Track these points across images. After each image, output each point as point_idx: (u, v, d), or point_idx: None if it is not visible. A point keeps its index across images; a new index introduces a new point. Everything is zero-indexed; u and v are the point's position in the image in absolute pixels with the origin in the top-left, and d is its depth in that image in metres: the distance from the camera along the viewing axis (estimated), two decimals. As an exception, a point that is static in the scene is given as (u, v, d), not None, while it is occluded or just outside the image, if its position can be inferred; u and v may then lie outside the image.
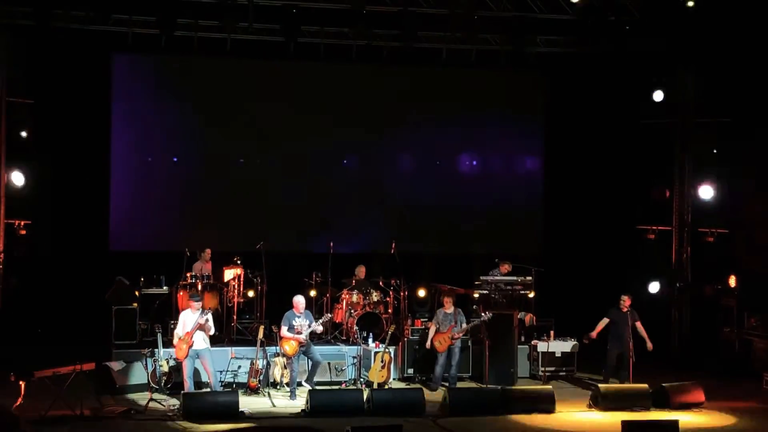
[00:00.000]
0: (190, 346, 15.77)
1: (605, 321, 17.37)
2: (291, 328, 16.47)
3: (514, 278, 19.06)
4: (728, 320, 19.83)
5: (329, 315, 17.60)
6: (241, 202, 21.06)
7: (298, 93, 21.21)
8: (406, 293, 19.11)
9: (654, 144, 20.99)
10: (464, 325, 17.25)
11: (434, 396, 16.31)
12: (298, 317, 16.57)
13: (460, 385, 17.29)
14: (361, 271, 19.26)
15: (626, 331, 17.14)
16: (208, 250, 18.98)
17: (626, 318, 17.21)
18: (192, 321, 15.91)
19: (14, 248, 18.74)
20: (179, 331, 15.99)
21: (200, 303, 16.14)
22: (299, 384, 16.69)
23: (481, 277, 19.00)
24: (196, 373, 16.11)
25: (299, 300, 16.75)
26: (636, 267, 20.94)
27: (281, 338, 16.60)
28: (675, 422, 13.90)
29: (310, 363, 16.75)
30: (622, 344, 17.21)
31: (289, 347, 16.49)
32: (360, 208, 21.61)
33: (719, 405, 16.59)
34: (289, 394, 16.57)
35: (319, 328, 16.70)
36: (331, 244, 19.55)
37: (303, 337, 16.41)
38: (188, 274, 18.32)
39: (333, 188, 21.56)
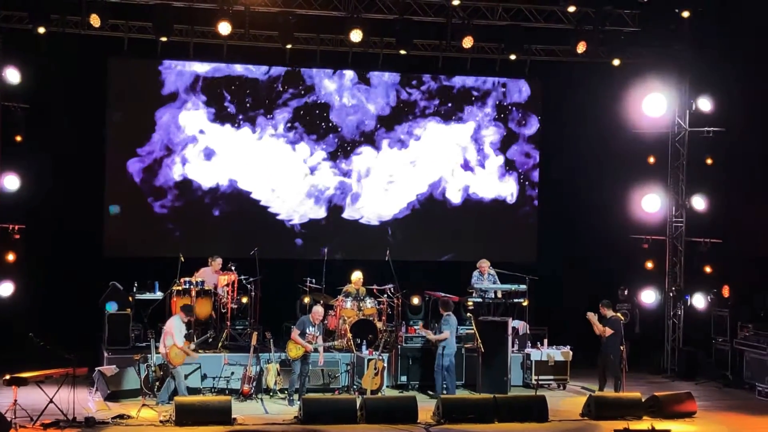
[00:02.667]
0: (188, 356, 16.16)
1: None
2: (303, 334, 16.54)
3: (508, 286, 19.07)
4: (721, 330, 19.85)
5: (334, 343, 17.63)
6: (236, 207, 21.04)
7: (293, 99, 21.23)
8: (400, 301, 19.11)
9: (648, 153, 21.02)
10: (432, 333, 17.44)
11: (427, 404, 16.28)
12: (313, 327, 16.66)
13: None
14: (358, 280, 19.14)
15: (607, 339, 17.26)
16: (219, 260, 18.81)
17: (612, 325, 17.32)
18: (183, 331, 16.20)
19: (8, 253, 18.70)
20: (177, 340, 16.03)
21: (191, 316, 16.34)
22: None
23: (473, 285, 19.08)
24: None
25: (318, 311, 16.88)
26: (630, 276, 20.98)
27: (291, 339, 16.67)
28: (667, 432, 13.95)
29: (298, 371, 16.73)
30: (602, 352, 17.40)
31: (294, 350, 16.57)
32: (352, 216, 21.63)
33: (711, 415, 16.61)
34: (284, 398, 16.65)
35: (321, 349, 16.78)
36: (326, 250, 19.56)
37: (312, 348, 16.50)
38: (182, 280, 18.29)
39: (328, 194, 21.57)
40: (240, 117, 21.04)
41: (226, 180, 21.00)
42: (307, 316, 16.88)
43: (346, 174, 21.52)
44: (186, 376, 16.50)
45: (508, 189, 22.21)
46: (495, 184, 22.17)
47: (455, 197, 22.02)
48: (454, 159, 22.02)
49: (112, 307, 18.18)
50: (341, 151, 21.50)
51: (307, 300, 19.25)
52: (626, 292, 19.26)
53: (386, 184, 21.75)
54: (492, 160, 22.17)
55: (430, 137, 21.92)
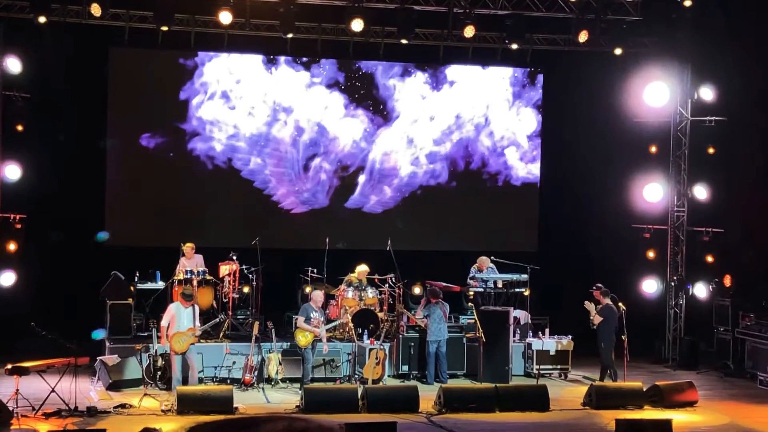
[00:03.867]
0: (192, 343, 16.04)
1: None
2: (308, 320, 16.61)
3: (509, 276, 19.07)
4: (723, 319, 19.85)
5: (340, 321, 17.64)
6: (238, 197, 21.03)
7: (295, 89, 21.21)
8: (401, 290, 19.11)
9: (650, 142, 21.01)
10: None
11: (429, 393, 16.30)
12: (316, 312, 16.73)
13: (454, 382, 17.34)
14: (363, 272, 19.03)
15: (598, 327, 17.44)
16: (190, 245, 18.60)
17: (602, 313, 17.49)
18: (185, 316, 16.02)
19: (9, 242, 18.71)
20: (175, 325, 16.02)
21: (191, 302, 16.26)
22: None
23: (473, 276, 19.09)
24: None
25: (318, 295, 16.99)
26: (631, 266, 20.97)
27: (297, 328, 16.74)
28: (668, 421, 13.91)
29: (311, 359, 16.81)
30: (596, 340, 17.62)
31: (303, 338, 16.66)
32: (355, 204, 21.61)
33: (713, 404, 16.62)
34: (285, 387, 16.75)
35: (324, 337, 16.85)
36: (327, 240, 19.55)
37: (319, 331, 16.59)
38: (184, 267, 18.27)
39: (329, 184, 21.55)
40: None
41: (230, 168, 20.98)
42: (308, 303, 16.95)
43: (348, 163, 21.52)
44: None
45: (509, 178, 22.17)
46: (495, 174, 22.14)
47: (457, 186, 21.98)
48: (454, 147, 22.00)
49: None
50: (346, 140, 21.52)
51: (308, 290, 19.22)
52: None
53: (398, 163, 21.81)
54: (492, 149, 22.14)
55: (436, 124, 21.92)
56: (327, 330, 16.92)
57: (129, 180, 20.50)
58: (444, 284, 18.86)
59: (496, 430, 14.89)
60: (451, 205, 21.97)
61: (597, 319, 17.36)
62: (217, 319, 17.20)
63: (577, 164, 21.71)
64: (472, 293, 18.97)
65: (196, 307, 16.49)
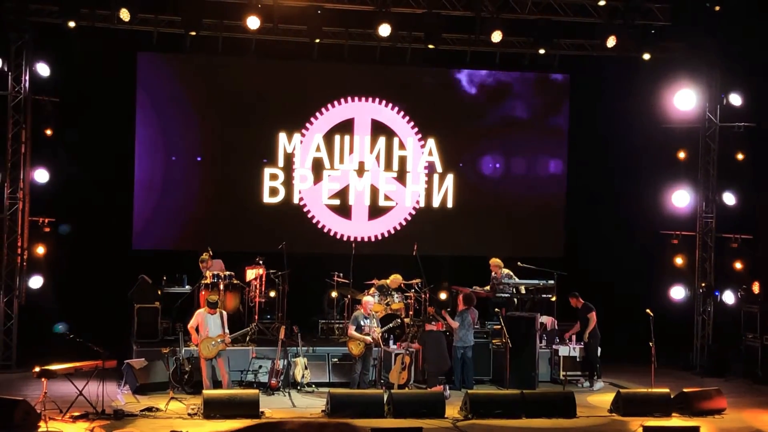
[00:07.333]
0: (221, 350, 16.16)
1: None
2: (359, 329, 16.67)
3: (536, 281, 19.02)
4: (751, 326, 19.70)
5: (397, 321, 17.67)
6: (264, 201, 21.03)
7: (322, 94, 21.22)
8: (428, 296, 19.08)
9: (678, 148, 20.90)
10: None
11: (455, 399, 16.27)
12: (366, 318, 16.84)
13: (481, 388, 17.31)
14: (394, 280, 18.99)
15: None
16: (204, 255, 18.53)
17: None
18: (212, 323, 16.15)
19: (38, 245, 18.82)
20: (202, 331, 16.10)
21: (216, 310, 16.35)
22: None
23: (500, 281, 19.04)
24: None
25: (368, 301, 17.06)
26: (659, 272, 20.86)
27: (349, 338, 16.84)
28: (696, 428, 13.86)
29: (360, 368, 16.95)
30: None
31: (355, 347, 16.84)
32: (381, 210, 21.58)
33: (741, 412, 16.49)
34: (311, 391, 16.88)
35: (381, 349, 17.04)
36: (353, 245, 19.54)
37: (370, 339, 16.71)
38: (209, 273, 18.33)
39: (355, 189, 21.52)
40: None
41: (255, 173, 21.00)
42: (359, 312, 17.06)
43: (374, 169, 21.51)
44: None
45: (535, 183, 22.08)
46: (521, 178, 22.05)
47: (483, 191, 21.91)
48: (485, 156, 21.96)
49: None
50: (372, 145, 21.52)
51: (334, 294, 19.27)
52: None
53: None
54: (518, 153, 22.06)
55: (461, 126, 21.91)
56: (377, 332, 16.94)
57: (157, 184, 20.55)
58: (470, 289, 18.81)
59: (522, 436, 14.86)
60: (477, 210, 21.89)
61: (591, 324, 17.89)
62: (249, 329, 17.30)
63: (604, 170, 21.62)
64: (498, 299, 18.92)
65: (224, 314, 16.57)
